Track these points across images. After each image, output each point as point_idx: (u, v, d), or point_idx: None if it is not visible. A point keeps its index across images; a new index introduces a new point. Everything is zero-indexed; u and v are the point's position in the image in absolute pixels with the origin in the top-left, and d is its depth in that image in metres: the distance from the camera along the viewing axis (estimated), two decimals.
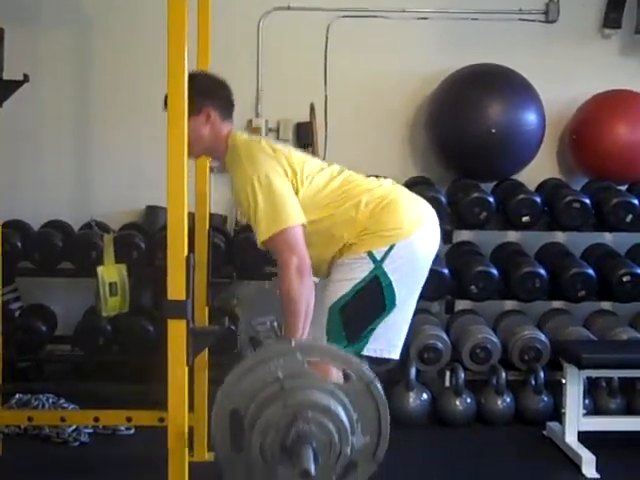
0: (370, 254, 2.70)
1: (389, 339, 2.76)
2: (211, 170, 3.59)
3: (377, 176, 2.95)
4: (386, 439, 2.18)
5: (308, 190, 2.77)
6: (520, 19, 5.09)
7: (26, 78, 3.43)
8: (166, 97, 2.34)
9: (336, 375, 2.31)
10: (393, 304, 2.70)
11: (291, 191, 2.73)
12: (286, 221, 2.68)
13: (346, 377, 2.18)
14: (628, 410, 4.21)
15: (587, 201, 4.53)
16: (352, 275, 2.71)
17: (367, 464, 2.19)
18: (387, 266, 2.69)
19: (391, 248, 2.70)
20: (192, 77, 2.47)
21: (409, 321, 2.85)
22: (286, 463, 2.05)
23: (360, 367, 2.18)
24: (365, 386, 2.15)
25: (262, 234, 2.70)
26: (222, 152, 2.89)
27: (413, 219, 2.78)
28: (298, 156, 2.86)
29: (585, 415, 3.95)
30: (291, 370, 2.12)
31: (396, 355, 2.81)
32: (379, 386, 2.17)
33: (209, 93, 2.85)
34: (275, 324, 2.81)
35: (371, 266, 2.69)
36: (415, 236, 2.75)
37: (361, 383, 2.16)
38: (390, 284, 2.69)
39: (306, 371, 2.15)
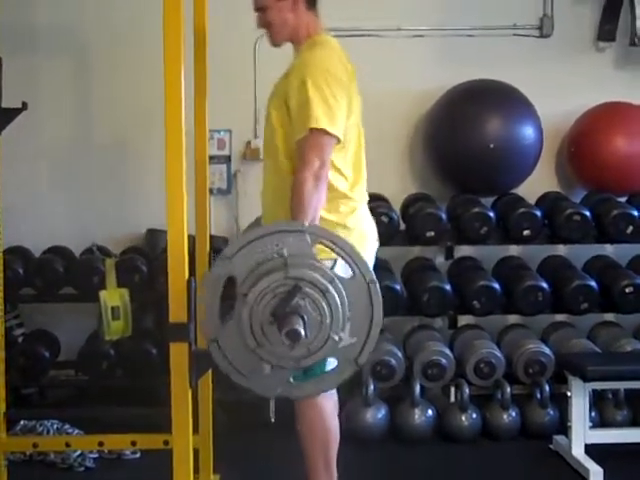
0: None
1: None
2: (211, 192, 3.59)
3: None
4: (373, 343, 2.12)
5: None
6: (515, 34, 5.12)
7: (25, 106, 3.44)
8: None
9: None
10: None
11: (345, 111, 2.66)
12: (332, 126, 2.61)
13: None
14: (635, 422, 4.19)
15: (587, 213, 4.55)
16: None
17: (348, 365, 2.14)
18: None
19: (335, 263, 2.66)
20: None
21: None
22: (274, 330, 2.03)
23: (365, 265, 2.14)
24: (365, 284, 2.11)
25: (313, 120, 2.59)
26: (302, 40, 2.84)
27: (359, 239, 2.68)
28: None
29: (591, 428, 3.93)
30: (297, 250, 2.08)
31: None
32: (378, 288, 2.12)
33: None
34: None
35: None
36: None
37: (362, 280, 2.11)
38: None
39: (311, 254, 2.10)
